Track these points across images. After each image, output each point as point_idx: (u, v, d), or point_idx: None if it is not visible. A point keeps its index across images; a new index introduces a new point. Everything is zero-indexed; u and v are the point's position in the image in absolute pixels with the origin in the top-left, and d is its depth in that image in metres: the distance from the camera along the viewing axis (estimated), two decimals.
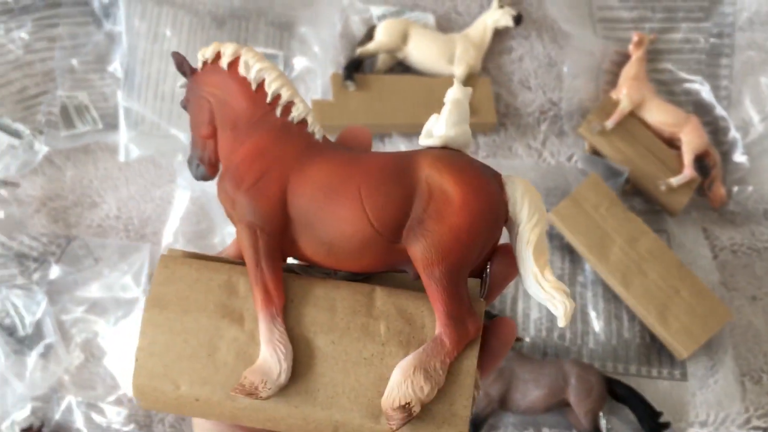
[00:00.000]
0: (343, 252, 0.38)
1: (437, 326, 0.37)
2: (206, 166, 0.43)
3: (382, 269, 0.39)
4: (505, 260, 0.40)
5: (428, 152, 0.39)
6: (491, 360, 0.41)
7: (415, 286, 0.39)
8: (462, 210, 0.36)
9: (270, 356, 0.37)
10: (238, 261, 0.41)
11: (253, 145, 0.40)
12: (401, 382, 0.36)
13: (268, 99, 0.41)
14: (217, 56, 0.42)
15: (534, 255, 0.38)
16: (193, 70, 0.43)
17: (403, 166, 0.38)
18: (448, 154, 0.39)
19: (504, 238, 0.40)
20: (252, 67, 0.41)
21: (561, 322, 0.37)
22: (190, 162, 0.44)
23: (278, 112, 0.40)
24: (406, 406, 0.36)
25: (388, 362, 0.37)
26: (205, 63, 0.43)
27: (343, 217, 0.37)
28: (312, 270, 0.41)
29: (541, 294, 0.38)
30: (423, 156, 0.38)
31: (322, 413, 0.37)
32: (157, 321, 0.39)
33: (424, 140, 0.41)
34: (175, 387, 0.38)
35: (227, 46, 0.41)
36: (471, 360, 0.37)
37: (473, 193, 0.37)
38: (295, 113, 0.41)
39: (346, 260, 0.38)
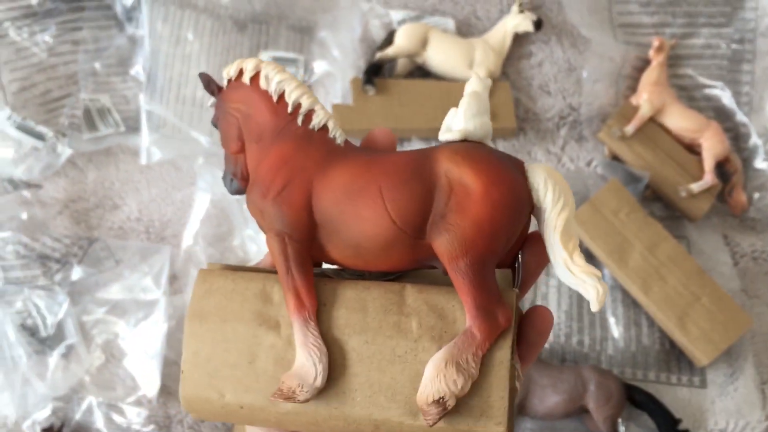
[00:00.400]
0: (370, 252, 0.38)
1: (467, 319, 0.37)
2: (240, 181, 0.44)
3: (412, 266, 0.39)
4: (536, 248, 0.40)
5: (447, 146, 0.39)
6: (530, 350, 0.41)
7: (446, 281, 0.39)
8: (483, 201, 0.36)
9: (306, 360, 0.37)
10: (272, 270, 0.42)
11: (277, 155, 0.40)
12: (434, 377, 0.36)
13: (289, 109, 0.41)
14: (240, 73, 0.43)
15: (562, 241, 0.38)
16: (220, 89, 0.45)
17: (423, 162, 0.38)
18: (467, 146, 0.39)
19: (534, 226, 0.40)
20: (272, 80, 0.42)
21: (594, 307, 0.37)
22: (224, 178, 0.44)
23: (299, 120, 0.41)
24: (440, 400, 0.36)
25: (421, 358, 0.37)
26: (229, 80, 0.44)
27: (366, 218, 0.38)
28: (344, 273, 0.42)
29: (571, 279, 0.38)
30: (442, 150, 0.38)
31: (362, 413, 0.38)
32: (198, 333, 0.40)
33: (444, 135, 0.41)
34: (220, 396, 0.39)
35: (248, 61, 0.42)
36: (504, 350, 0.37)
37: (494, 183, 0.37)
38: (316, 120, 0.41)
39: (375, 260, 0.39)
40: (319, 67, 1.04)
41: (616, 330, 0.93)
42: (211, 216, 0.95)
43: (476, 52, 1.02)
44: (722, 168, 1.01)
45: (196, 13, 1.02)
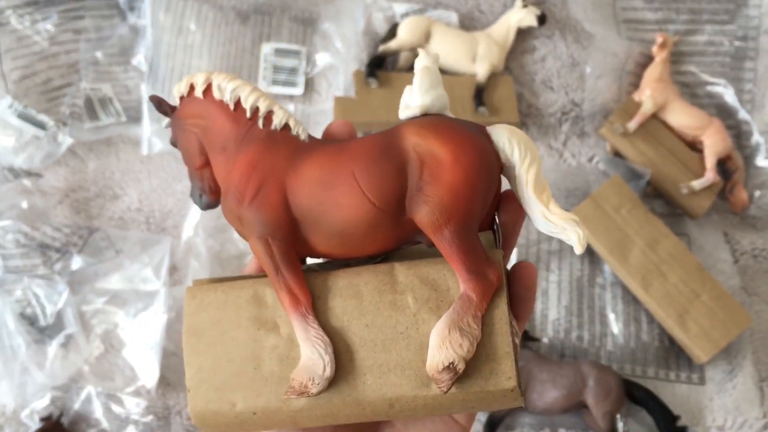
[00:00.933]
0: (355, 238, 0.39)
1: (460, 284, 0.38)
2: (209, 195, 0.44)
3: (397, 245, 0.40)
4: (511, 206, 0.41)
5: (410, 122, 0.40)
6: (521, 307, 0.41)
7: (431, 253, 0.40)
8: (455, 167, 0.37)
9: (311, 353, 0.38)
10: (260, 275, 0.42)
11: (245, 161, 0.40)
12: (440, 345, 0.37)
13: (248, 114, 0.42)
14: (192, 88, 0.43)
15: (536, 193, 0.39)
16: (173, 108, 0.45)
17: (389, 141, 0.39)
18: (430, 119, 0.40)
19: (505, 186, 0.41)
20: (225, 89, 0.42)
21: (577, 250, 0.38)
22: (192, 195, 0.45)
23: (260, 123, 0.41)
24: (450, 366, 0.36)
25: (423, 330, 0.38)
26: (182, 97, 0.44)
27: (345, 205, 0.38)
28: (329, 265, 0.42)
29: (552, 228, 0.39)
30: (406, 127, 0.39)
31: (375, 395, 0.38)
32: (198, 349, 0.40)
33: (403, 113, 0.42)
34: (232, 406, 0.39)
35: (198, 75, 0.43)
36: (501, 308, 0.38)
37: (461, 149, 0.37)
38: (276, 121, 0.41)
39: (361, 245, 0.39)
40: (322, 59, 1.03)
41: (615, 326, 0.93)
42: None
43: (479, 46, 1.01)
44: (723, 165, 1.01)
45: (199, 3, 1.01)
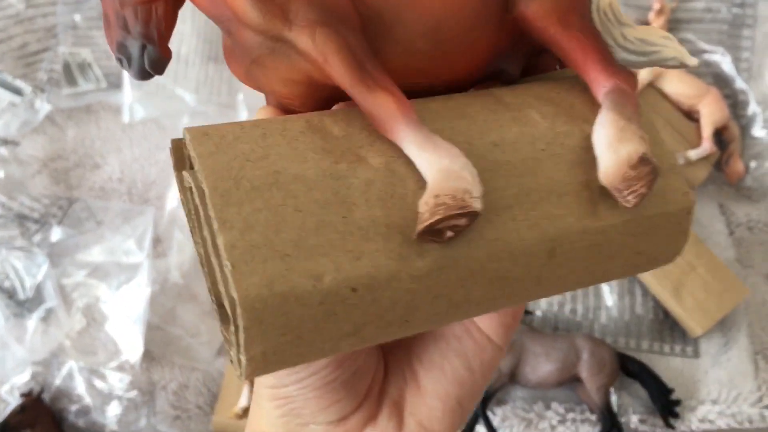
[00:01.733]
0: (454, 34, 0.29)
1: (601, 81, 0.29)
2: (157, 45, 0.30)
3: (489, 64, 0.31)
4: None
5: None
6: None
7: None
8: None
9: (450, 162, 0.26)
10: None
11: None
12: (618, 139, 0.27)
13: None
14: None
15: (623, 16, 0.32)
16: None
17: None
18: None
19: None
20: None
21: (691, 61, 0.31)
22: (124, 53, 0.30)
23: None
24: (644, 158, 0.27)
25: (570, 144, 0.28)
26: None
27: None
28: None
29: (649, 48, 0.31)
30: None
31: (530, 234, 0.27)
32: (238, 197, 0.24)
33: None
34: (316, 280, 0.24)
35: None
36: (648, 115, 0.30)
37: None
38: None
39: (451, 53, 0.30)
40: None
41: (609, 299, 0.92)
42: None
43: None
44: (720, 136, 1.00)
45: None
